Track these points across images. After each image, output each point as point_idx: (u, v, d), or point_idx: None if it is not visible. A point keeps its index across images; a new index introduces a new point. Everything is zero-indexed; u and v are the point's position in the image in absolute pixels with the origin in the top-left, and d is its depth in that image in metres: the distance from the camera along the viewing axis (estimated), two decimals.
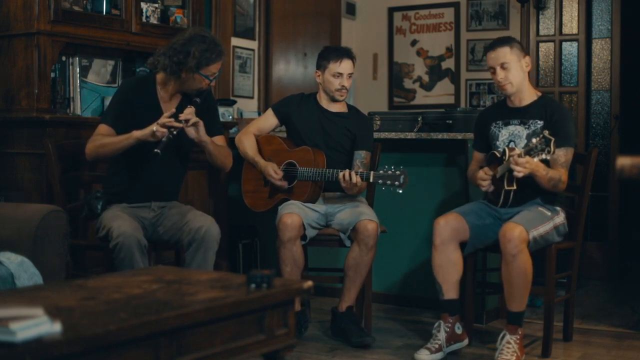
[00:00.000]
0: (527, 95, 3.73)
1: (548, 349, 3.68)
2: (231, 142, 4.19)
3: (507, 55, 3.65)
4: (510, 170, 3.47)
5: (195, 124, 3.49)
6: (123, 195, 3.61)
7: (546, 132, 3.35)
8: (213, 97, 3.82)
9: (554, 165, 3.61)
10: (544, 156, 3.35)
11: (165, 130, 3.38)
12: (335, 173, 3.79)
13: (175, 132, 3.41)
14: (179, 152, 3.67)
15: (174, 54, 3.50)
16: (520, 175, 3.44)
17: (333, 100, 4.05)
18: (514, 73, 3.65)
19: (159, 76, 3.64)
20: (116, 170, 3.66)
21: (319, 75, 4.06)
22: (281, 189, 3.98)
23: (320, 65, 4.04)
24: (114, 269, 3.34)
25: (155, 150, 3.36)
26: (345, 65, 3.99)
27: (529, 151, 3.38)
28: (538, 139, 3.35)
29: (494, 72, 3.69)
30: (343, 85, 4.00)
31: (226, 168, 3.80)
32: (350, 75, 4.02)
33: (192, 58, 3.46)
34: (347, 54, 4.03)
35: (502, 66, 3.66)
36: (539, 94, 3.79)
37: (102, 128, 3.56)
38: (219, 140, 3.73)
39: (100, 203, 3.57)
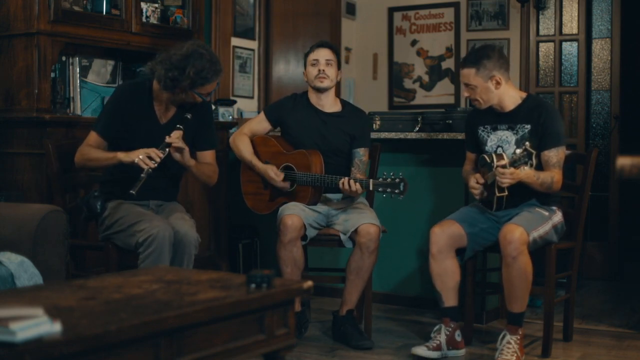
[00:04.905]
0: (510, 101, 3.68)
1: (548, 349, 3.68)
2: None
3: (470, 77, 3.63)
4: None
5: (179, 149, 3.44)
6: (122, 192, 3.57)
7: (528, 145, 3.39)
8: (210, 110, 3.76)
9: (546, 167, 3.62)
10: (526, 168, 3.41)
11: (145, 165, 3.33)
12: (334, 179, 3.78)
13: (151, 170, 3.34)
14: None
15: (169, 69, 3.38)
16: (505, 185, 3.47)
17: (318, 90, 4.03)
18: (479, 93, 3.64)
19: (156, 83, 3.54)
20: (111, 171, 3.64)
21: (304, 74, 4.09)
22: (283, 191, 3.97)
23: (304, 64, 4.09)
24: (136, 265, 3.29)
25: (131, 191, 3.33)
26: (320, 52, 4.01)
27: (513, 162, 3.42)
28: (520, 151, 3.40)
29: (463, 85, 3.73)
30: (320, 70, 3.98)
31: (211, 184, 3.79)
32: (328, 61, 3.99)
33: (187, 77, 3.36)
34: (323, 43, 4.08)
35: (467, 86, 3.67)
36: (524, 95, 3.74)
37: (92, 136, 3.54)
38: (208, 155, 3.69)
39: (99, 202, 3.56)
